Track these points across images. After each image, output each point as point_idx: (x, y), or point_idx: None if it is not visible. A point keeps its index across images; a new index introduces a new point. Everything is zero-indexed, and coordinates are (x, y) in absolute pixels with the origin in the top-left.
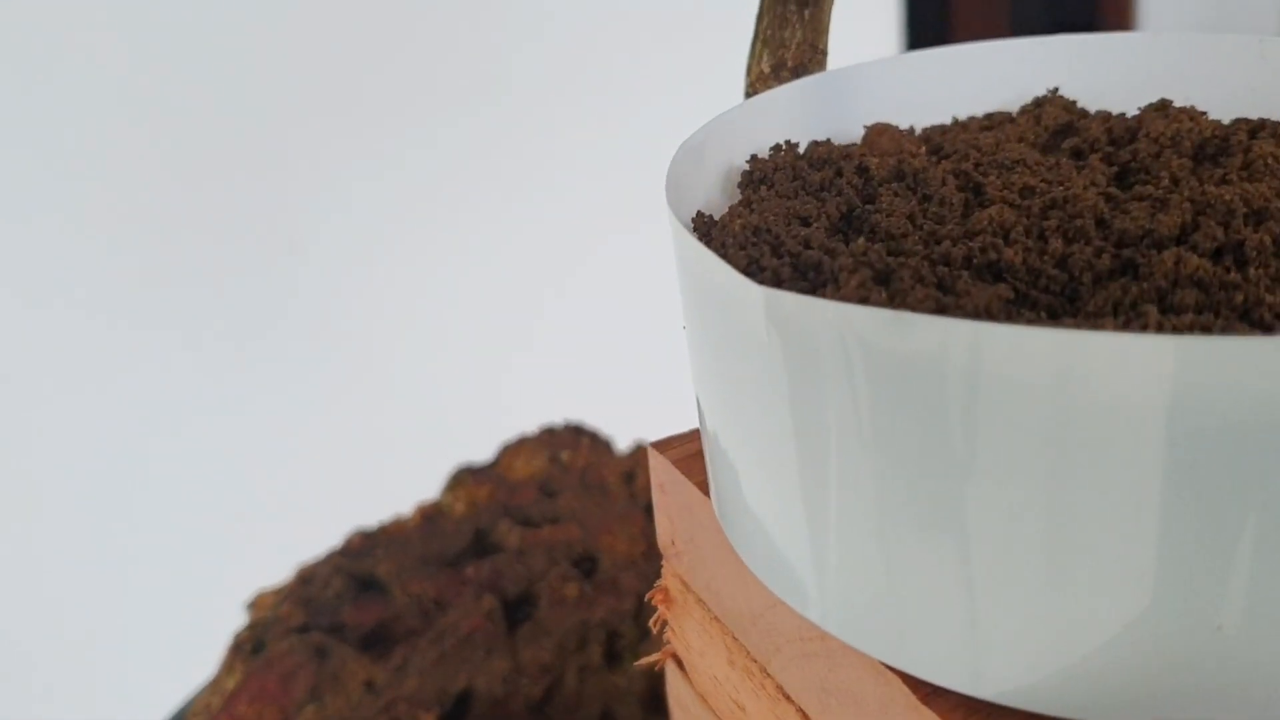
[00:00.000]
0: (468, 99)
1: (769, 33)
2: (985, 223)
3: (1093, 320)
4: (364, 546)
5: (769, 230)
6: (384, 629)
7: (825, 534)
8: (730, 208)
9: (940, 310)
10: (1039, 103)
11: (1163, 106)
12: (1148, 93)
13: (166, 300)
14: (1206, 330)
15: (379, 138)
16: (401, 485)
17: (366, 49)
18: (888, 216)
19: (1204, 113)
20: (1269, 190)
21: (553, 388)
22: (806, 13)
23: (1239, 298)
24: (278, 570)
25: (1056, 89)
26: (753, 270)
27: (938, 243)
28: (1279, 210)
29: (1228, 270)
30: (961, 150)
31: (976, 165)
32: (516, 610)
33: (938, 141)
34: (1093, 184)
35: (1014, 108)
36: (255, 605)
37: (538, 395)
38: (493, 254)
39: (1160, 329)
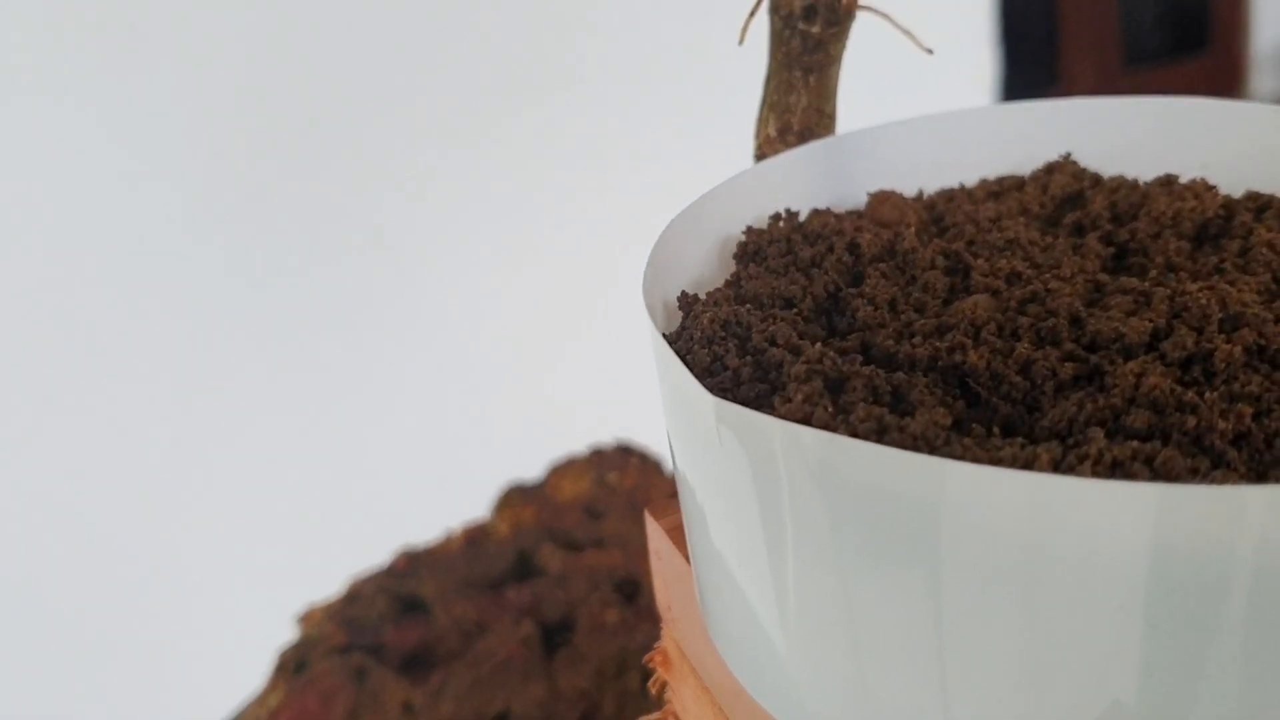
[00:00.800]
0: (520, 109)
1: (775, 98)
2: (960, 316)
3: (1045, 437)
4: (409, 567)
5: (738, 323)
6: (425, 650)
7: (786, 641)
8: (709, 292)
9: (881, 432)
10: (1050, 169)
11: (1169, 181)
12: (1169, 157)
13: (236, 309)
14: (1150, 459)
15: (409, 158)
16: (455, 497)
17: (455, 55)
18: (868, 303)
19: (1213, 187)
20: (1252, 290)
21: (607, 400)
22: (812, 79)
23: (1191, 422)
24: (332, 579)
25: (1069, 154)
26: (715, 368)
27: (911, 336)
28: (1256, 317)
29: (1188, 387)
30: (960, 224)
31: (969, 244)
32: (555, 635)
33: (940, 210)
34: (1082, 270)
35: (1027, 169)
36: (305, 620)
37: (591, 407)
38: (551, 265)
39: (1100, 458)
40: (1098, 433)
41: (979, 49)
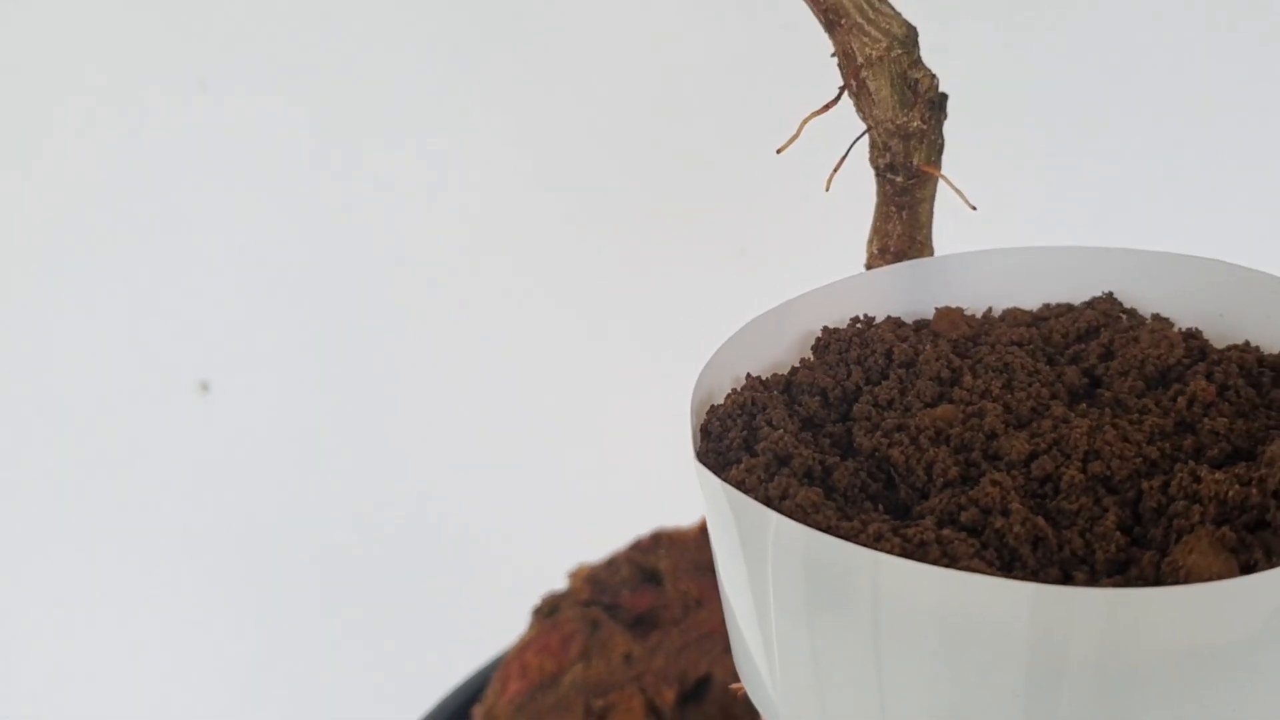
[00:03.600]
0: None
1: (878, 223)
2: (926, 420)
3: (913, 517)
4: (651, 545)
5: (754, 403)
6: (651, 614)
7: (771, 680)
8: (766, 377)
9: (781, 498)
10: (1090, 303)
11: (1159, 327)
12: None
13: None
14: (942, 542)
15: None
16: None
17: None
18: (870, 400)
19: (1199, 334)
20: (1144, 430)
21: None
22: (905, 214)
23: (999, 523)
24: (599, 550)
25: (1110, 292)
26: (718, 435)
27: (874, 430)
28: (1112, 451)
29: (1038, 499)
30: (989, 342)
31: (976, 362)
32: None
33: (983, 328)
34: (1038, 397)
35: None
36: (573, 576)
37: None
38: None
39: (924, 540)
40: (929, 521)
41: None
